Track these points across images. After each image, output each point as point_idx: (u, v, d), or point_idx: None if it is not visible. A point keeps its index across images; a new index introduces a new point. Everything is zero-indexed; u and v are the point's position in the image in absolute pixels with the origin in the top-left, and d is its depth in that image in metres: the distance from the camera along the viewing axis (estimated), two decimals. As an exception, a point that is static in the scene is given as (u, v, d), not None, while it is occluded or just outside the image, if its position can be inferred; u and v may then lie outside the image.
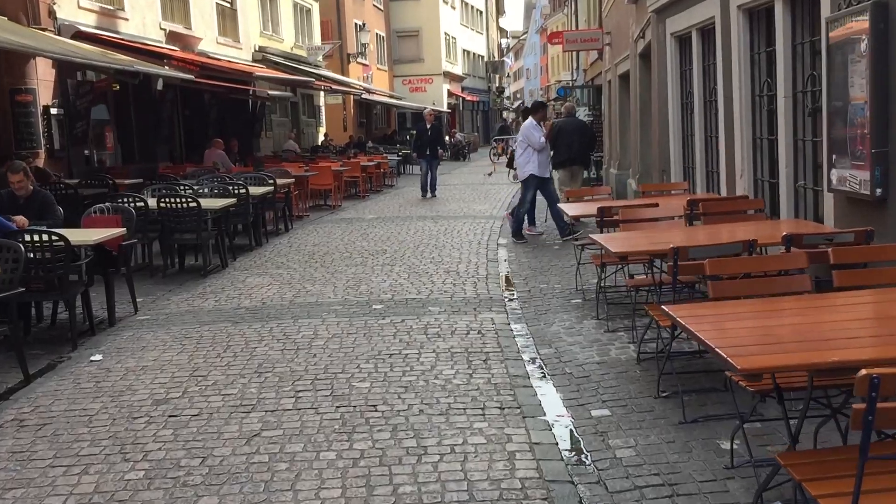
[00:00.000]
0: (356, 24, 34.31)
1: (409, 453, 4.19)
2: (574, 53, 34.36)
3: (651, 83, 11.46)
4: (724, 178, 6.85)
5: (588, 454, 4.13)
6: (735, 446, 3.88)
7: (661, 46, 8.67)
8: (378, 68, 38.79)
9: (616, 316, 6.68)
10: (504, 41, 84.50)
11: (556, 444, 4.27)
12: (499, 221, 13.71)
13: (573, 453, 4.17)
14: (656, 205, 6.03)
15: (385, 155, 25.52)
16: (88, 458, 4.29)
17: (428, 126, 18.88)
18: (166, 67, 16.11)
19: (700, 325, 3.00)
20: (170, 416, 4.86)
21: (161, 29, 17.84)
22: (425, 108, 20.50)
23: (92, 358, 6.18)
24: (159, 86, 16.69)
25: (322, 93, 30.46)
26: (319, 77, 24.94)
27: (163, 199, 9.45)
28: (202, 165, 16.59)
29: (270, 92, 20.93)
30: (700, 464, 3.89)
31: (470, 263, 9.73)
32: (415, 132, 21.35)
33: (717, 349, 2.68)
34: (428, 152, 18.41)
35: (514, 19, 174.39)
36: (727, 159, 6.72)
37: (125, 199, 9.34)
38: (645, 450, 4.10)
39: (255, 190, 11.70)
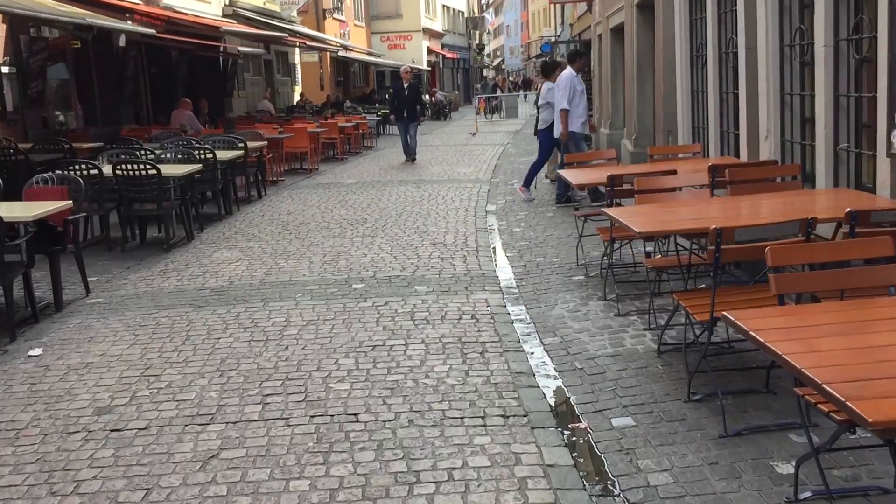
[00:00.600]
0: (332, -22, 32.97)
1: (398, 481, 3.46)
2: (559, 8, 33.34)
3: (653, 36, 10.64)
4: (744, 140, 6.11)
5: (615, 480, 3.41)
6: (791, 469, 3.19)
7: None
8: (355, 25, 37.52)
9: (626, 296, 5.95)
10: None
11: (575, 465, 3.56)
12: (486, 186, 12.93)
13: (597, 480, 3.46)
14: (674, 172, 5.28)
15: (364, 115, 24.53)
16: (6, 491, 3.52)
17: (405, 85, 17.22)
18: (129, 22, 15.08)
19: (788, 346, 2.26)
20: (112, 431, 4.09)
21: (122, -20, 16.68)
22: (403, 66, 18.69)
23: (30, 352, 5.38)
24: (122, 42, 15.66)
25: (297, 50, 29.31)
26: (294, 33, 23.81)
27: (119, 166, 8.57)
28: (169, 127, 15.64)
29: (242, 49, 19.88)
30: (754, 495, 3.18)
31: (458, 234, 8.96)
32: (391, 91, 19.74)
33: (847, 403, 1.89)
34: (406, 114, 16.92)
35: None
36: (748, 119, 5.97)
37: (76, 167, 8.46)
38: (683, 474, 3.39)
39: (224, 154, 10.81)
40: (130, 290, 6.98)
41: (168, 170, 8.91)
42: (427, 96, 41.67)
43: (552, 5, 44.12)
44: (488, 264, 7.46)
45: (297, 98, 28.87)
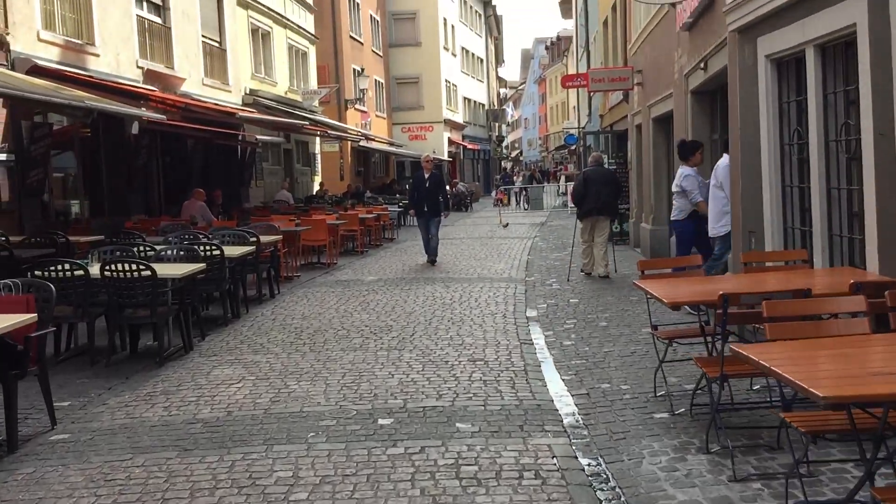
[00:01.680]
0: (354, 70, 32.74)
1: None
2: (585, 99, 32.81)
3: (713, 123, 9.58)
4: (873, 247, 4.86)
5: None
6: None
7: (748, 74, 6.75)
8: (377, 115, 37.18)
9: (737, 448, 4.58)
10: (502, 90, 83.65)
11: None
12: (521, 286, 11.68)
13: None
14: (807, 291, 4.01)
15: (385, 206, 23.60)
16: None
17: (426, 175, 14.92)
18: (143, 109, 14.27)
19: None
20: None
21: (138, 67, 16.03)
22: (424, 154, 16.68)
23: (-45, 522, 4.08)
24: (134, 129, 14.83)
25: (318, 139, 28.74)
26: (313, 122, 23.14)
27: (109, 266, 7.41)
28: (179, 219, 14.65)
29: (259, 137, 19.07)
30: None
31: (499, 347, 7.67)
32: (411, 182, 17.20)
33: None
34: (427, 208, 14.69)
35: (511, 70, 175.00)
36: (881, 221, 4.75)
37: (58, 267, 7.32)
38: None
39: (233, 250, 9.69)
40: (106, 422, 5.68)
41: (165, 270, 7.75)
42: (448, 187, 41.12)
43: (577, 96, 43.92)
44: (542, 391, 6.13)
45: (316, 187, 28.13)
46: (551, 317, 9.21)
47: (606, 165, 18.28)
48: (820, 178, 5.63)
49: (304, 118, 22.01)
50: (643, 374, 6.39)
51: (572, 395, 5.99)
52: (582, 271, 12.57)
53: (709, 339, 5.11)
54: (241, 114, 14.53)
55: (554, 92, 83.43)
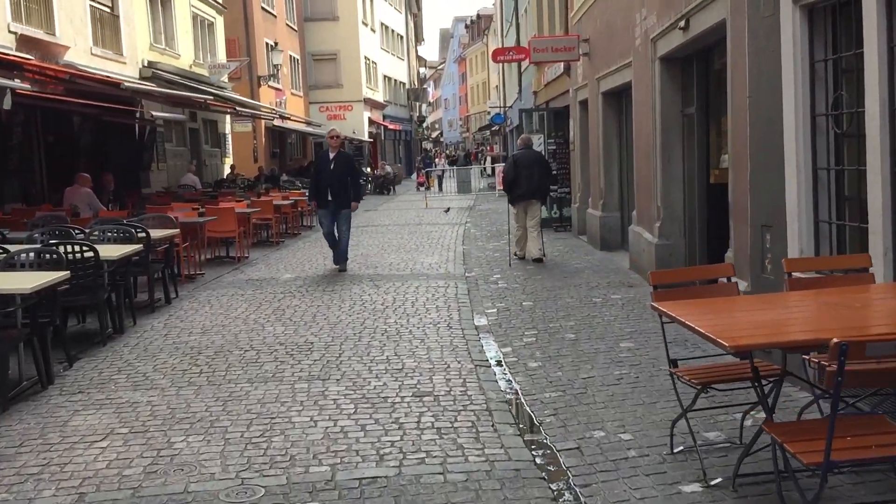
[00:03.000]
0: (267, 44, 30.50)
1: None
2: (514, 75, 31.37)
3: (698, 93, 8.20)
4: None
5: None
6: None
7: (764, 28, 5.33)
8: (293, 93, 35.00)
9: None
10: (422, 70, 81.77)
11: None
12: (462, 284, 10.15)
13: None
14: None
15: (303, 190, 21.69)
16: None
17: (331, 155, 11.53)
18: (16, 80, 12.10)
19: None
20: None
21: (10, 32, 13.72)
22: (329, 129, 13.32)
23: None
24: (5, 104, 12.60)
25: (228, 118, 26.52)
26: (220, 98, 21.01)
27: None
28: (60, 208, 12.57)
29: (157, 114, 16.90)
30: None
31: (450, 373, 6.11)
32: (314, 166, 13.34)
33: None
34: (332, 197, 11.34)
35: (430, 50, 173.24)
36: None
37: None
38: None
39: (113, 250, 7.83)
40: None
41: (11, 282, 5.90)
42: (368, 168, 39.28)
43: (500, 75, 42.33)
44: (516, 445, 4.59)
45: (227, 171, 25.94)
46: (505, 326, 7.69)
47: (539, 146, 16.98)
48: (883, 158, 4.24)
49: (209, 93, 19.86)
50: (643, 415, 4.94)
51: (559, 451, 4.47)
52: (515, 255, 12.11)
53: (765, 382, 3.67)
54: (127, 84, 12.48)
55: (475, 71, 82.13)
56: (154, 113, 16.86)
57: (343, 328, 7.71)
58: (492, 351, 6.81)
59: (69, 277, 6.43)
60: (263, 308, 8.89)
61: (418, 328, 7.65)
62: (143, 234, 8.80)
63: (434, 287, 9.95)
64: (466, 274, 11.08)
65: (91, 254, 7.23)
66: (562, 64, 15.67)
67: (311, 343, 7.13)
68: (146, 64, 19.37)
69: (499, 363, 6.39)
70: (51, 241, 7.60)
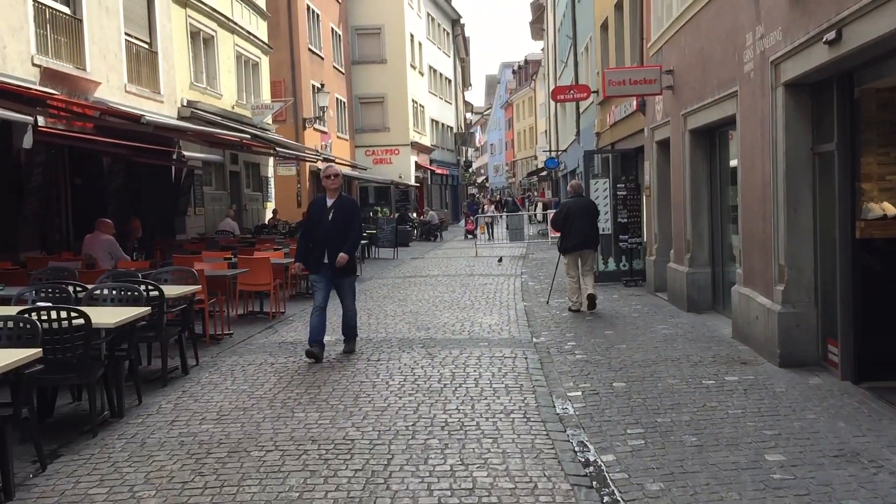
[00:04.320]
0: (314, 86, 29.57)
1: None
2: (569, 117, 29.76)
3: (838, 127, 6.55)
4: None
5: None
6: None
7: None
8: (338, 136, 34.01)
9: None
10: (468, 115, 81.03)
11: None
12: (532, 353, 8.50)
13: None
14: None
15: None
16: None
17: (329, 202, 8.59)
18: (39, 117, 10.95)
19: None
20: None
21: (34, 65, 12.66)
22: (326, 165, 9.64)
23: None
24: (26, 143, 11.44)
25: (271, 161, 25.44)
26: (261, 139, 19.84)
27: None
28: (79, 257, 11.31)
29: (192, 155, 15.67)
30: None
31: (538, 497, 4.46)
32: (306, 216, 9.44)
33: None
34: (328, 258, 8.38)
35: (476, 96, 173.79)
36: None
37: None
38: None
39: (109, 315, 6.37)
40: None
41: (-42, 366, 4.45)
42: (415, 214, 37.90)
43: (547, 120, 40.71)
44: None
45: (269, 216, 24.77)
46: (598, 418, 6.01)
47: (605, 192, 15.37)
48: None
49: (246, 133, 18.68)
50: None
51: None
52: (570, 309, 11.53)
53: None
54: (148, 118, 11.17)
55: (521, 117, 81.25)
56: (186, 153, 15.62)
57: (392, 418, 6.10)
58: (589, 455, 5.14)
59: (41, 356, 4.96)
60: (295, 383, 7.34)
61: (487, 419, 6.02)
62: (156, 293, 7.37)
63: (499, 357, 8.32)
64: (534, 339, 9.44)
65: (81, 320, 5.78)
66: (634, 101, 14.12)
67: (352, 441, 5.54)
68: (185, 103, 18.32)
69: (602, 481, 4.72)
70: (29, 307, 6.17)
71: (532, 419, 6.01)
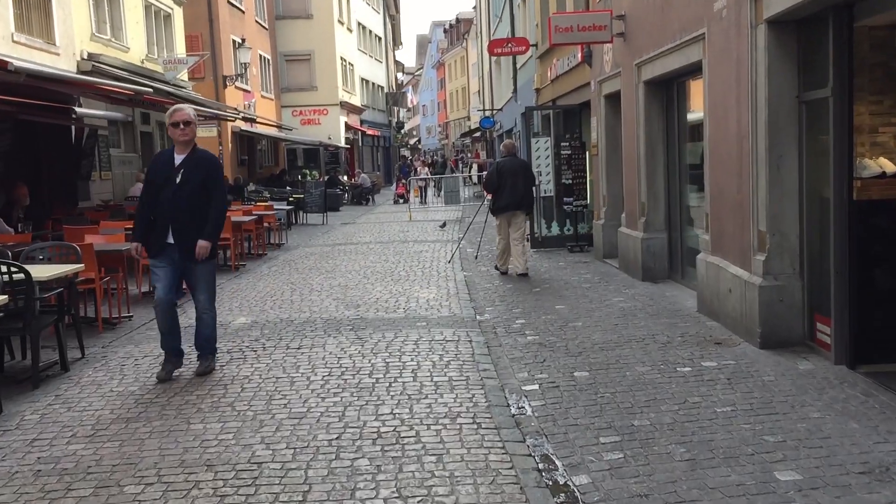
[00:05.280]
0: (234, 41, 27.67)
1: None
2: (504, 74, 28.44)
3: (832, 72, 5.58)
4: None
5: None
6: None
7: None
8: (263, 96, 32.18)
9: None
10: (400, 76, 79.08)
11: None
12: (477, 334, 7.44)
13: None
14: None
15: (270, 203, 18.90)
16: None
17: (178, 159, 6.27)
18: None
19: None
20: None
21: None
22: (178, 109, 6.38)
23: None
24: None
25: (188, 122, 23.62)
26: (171, 95, 18.13)
27: None
28: (-49, 230, 9.76)
29: (82, 111, 13.99)
30: None
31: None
32: (146, 177, 6.70)
33: None
34: (173, 236, 6.19)
35: (407, 56, 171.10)
36: None
37: None
38: None
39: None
40: None
41: None
42: (345, 177, 36.35)
43: (480, 80, 39.25)
44: None
45: (186, 180, 23.01)
46: (562, 422, 4.97)
47: (546, 151, 14.34)
48: None
49: (153, 88, 16.95)
50: None
51: None
52: (496, 268, 11.42)
53: None
54: (17, 65, 9.46)
55: (454, 77, 79.73)
56: (83, 111, 13.95)
57: (312, 428, 4.95)
58: (557, 477, 4.10)
59: None
60: (197, 382, 6.12)
61: (429, 427, 4.93)
62: (23, 276, 6.03)
63: (440, 341, 7.22)
64: (478, 317, 8.38)
65: None
66: (578, 53, 13.06)
67: (259, 465, 4.38)
68: (85, 56, 16.51)
69: (582, 514, 3.69)
70: None
71: (483, 425, 4.94)
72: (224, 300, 9.97)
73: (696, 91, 8.81)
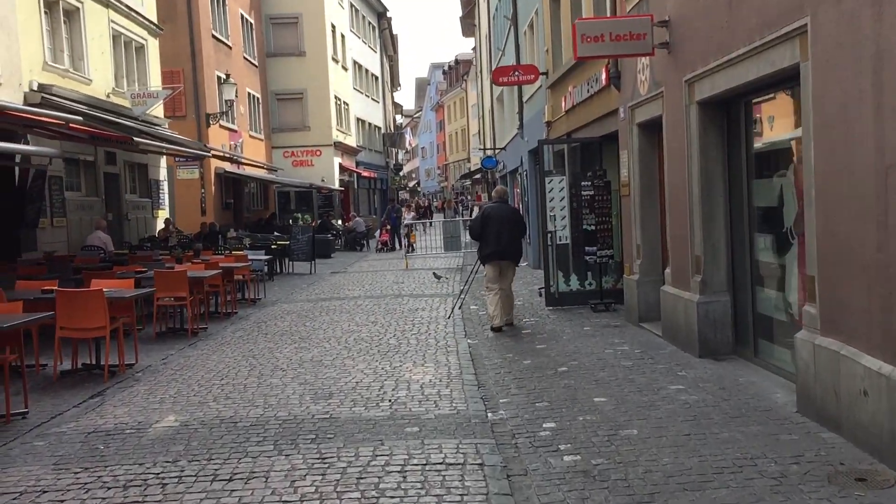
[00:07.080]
0: (219, 77, 25.73)
1: None
2: (508, 110, 26.34)
3: None
4: None
5: None
6: None
7: None
8: (252, 136, 30.25)
9: None
10: (398, 118, 77.62)
11: None
12: (491, 453, 5.18)
13: None
14: None
15: (245, 252, 16.69)
16: None
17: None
18: None
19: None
20: None
21: None
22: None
23: None
24: None
25: (163, 162, 21.60)
26: (140, 133, 16.08)
27: None
28: None
29: (6, 146, 11.87)
30: None
31: None
32: None
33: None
34: None
35: (406, 98, 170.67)
36: None
37: None
38: None
39: None
40: None
41: None
42: (340, 221, 34.23)
43: (480, 121, 37.20)
44: None
45: (160, 226, 20.91)
46: None
47: (562, 192, 12.20)
48: None
49: (122, 125, 14.89)
50: None
51: None
52: (491, 328, 10.20)
53: None
54: None
55: (453, 118, 78.30)
56: (24, 148, 11.83)
57: None
58: None
59: None
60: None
61: None
62: None
63: (437, 466, 4.95)
64: (490, 415, 6.13)
65: None
66: (602, 75, 10.97)
67: None
68: (35, 87, 14.47)
69: None
70: None
71: None
72: (161, 384, 7.72)
73: (777, 109, 6.68)
